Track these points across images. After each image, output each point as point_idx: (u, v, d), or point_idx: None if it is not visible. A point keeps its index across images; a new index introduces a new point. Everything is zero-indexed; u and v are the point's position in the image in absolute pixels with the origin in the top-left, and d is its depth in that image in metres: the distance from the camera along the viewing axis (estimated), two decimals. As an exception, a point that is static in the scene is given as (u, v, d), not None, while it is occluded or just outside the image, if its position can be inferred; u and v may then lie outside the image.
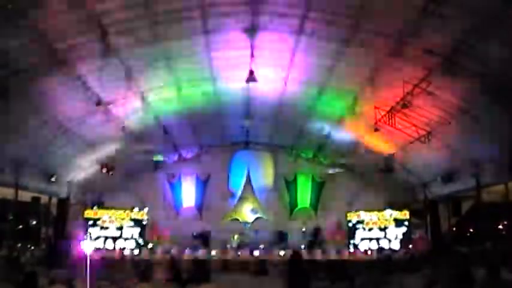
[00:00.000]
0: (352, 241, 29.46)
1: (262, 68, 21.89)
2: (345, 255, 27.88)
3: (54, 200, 27.72)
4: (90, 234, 28.63)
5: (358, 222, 29.67)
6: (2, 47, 15.41)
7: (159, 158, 31.99)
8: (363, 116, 23.93)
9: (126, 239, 28.85)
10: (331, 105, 24.83)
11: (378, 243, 28.97)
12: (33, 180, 23.59)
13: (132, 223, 29.25)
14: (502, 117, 17.85)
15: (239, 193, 34.17)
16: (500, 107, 17.30)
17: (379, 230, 29.25)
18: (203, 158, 34.30)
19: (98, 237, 28.61)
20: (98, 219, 28.95)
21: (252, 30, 18.98)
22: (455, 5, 14.33)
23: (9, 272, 13.08)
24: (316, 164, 34.44)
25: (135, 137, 26.47)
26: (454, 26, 15.24)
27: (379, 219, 29.48)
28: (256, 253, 27.98)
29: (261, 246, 29.25)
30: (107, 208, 30.21)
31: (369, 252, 28.33)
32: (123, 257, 26.24)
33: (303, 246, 29.47)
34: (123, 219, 29.20)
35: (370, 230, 29.34)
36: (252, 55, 20.95)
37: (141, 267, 18.11)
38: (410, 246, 28.79)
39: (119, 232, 28.94)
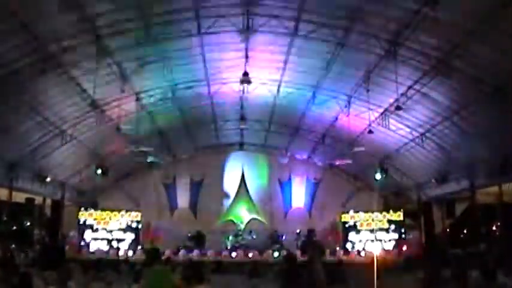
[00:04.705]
0: (346, 242, 29.45)
1: (256, 69, 21.97)
2: (339, 257, 27.84)
3: (48, 201, 27.64)
4: (84, 235, 28.59)
5: (353, 223, 29.68)
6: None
7: (154, 159, 31.96)
8: (357, 117, 23.98)
9: (120, 240, 28.77)
10: (325, 106, 24.86)
11: (372, 245, 28.97)
12: (27, 181, 23.53)
13: (126, 224, 29.18)
14: (496, 119, 17.93)
15: (234, 194, 34.15)
16: (493, 109, 17.38)
17: (373, 231, 29.26)
18: (198, 159, 34.23)
19: (92, 239, 28.55)
20: (92, 220, 28.86)
21: (246, 32, 19.03)
22: (449, 9, 14.41)
23: (3, 274, 13.01)
24: (310, 165, 34.48)
25: (130, 138, 26.44)
26: (447, 29, 15.32)
27: (373, 220, 29.48)
28: (250, 254, 27.95)
29: (256, 247, 29.22)
30: (101, 209, 30.13)
31: (363, 253, 28.34)
32: (117, 258, 26.13)
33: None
34: (117, 220, 29.12)
35: (364, 231, 29.34)
36: (247, 56, 21.02)
37: (135, 269, 18.06)
38: (404, 247, 28.83)
39: (113, 233, 28.86)
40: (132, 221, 29.34)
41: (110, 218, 29.12)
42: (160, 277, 10.33)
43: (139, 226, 29.64)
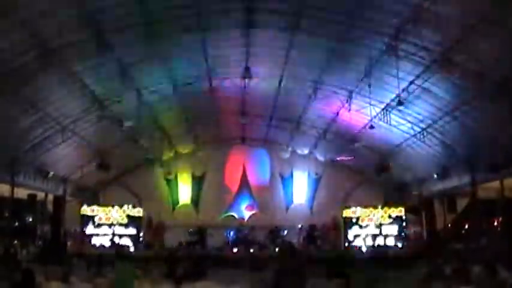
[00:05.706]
0: (347, 237, 29.49)
1: (257, 64, 21.97)
2: (341, 252, 27.89)
3: (50, 197, 27.67)
4: (86, 231, 28.67)
5: (354, 218, 29.69)
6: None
7: (156, 154, 31.96)
8: (358, 113, 23.96)
9: (122, 236, 28.84)
10: (326, 101, 24.84)
11: (373, 240, 29.02)
12: (29, 177, 23.56)
13: (128, 220, 29.24)
14: (497, 114, 17.91)
15: (235, 189, 34.16)
16: (494, 103, 17.36)
17: (375, 227, 29.30)
18: (199, 154, 34.22)
19: (94, 234, 28.62)
20: (94, 216, 28.95)
21: (247, 27, 19.02)
22: (450, 3, 14.39)
23: (6, 270, 13.07)
24: (312, 160, 34.46)
25: (131, 134, 26.45)
26: (448, 24, 15.28)
27: (374, 215, 29.52)
28: (252, 249, 27.99)
29: (257, 242, 29.26)
30: (103, 205, 30.23)
31: (364, 248, 28.38)
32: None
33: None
34: (119, 216, 29.19)
35: (365, 226, 29.37)
36: (248, 52, 21.03)
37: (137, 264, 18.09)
38: (405, 242, 28.90)
39: (115, 229, 28.93)
40: (133, 217, 29.40)
41: (112, 214, 29.19)
42: (124, 276, 10.42)
43: (141, 221, 29.70)
